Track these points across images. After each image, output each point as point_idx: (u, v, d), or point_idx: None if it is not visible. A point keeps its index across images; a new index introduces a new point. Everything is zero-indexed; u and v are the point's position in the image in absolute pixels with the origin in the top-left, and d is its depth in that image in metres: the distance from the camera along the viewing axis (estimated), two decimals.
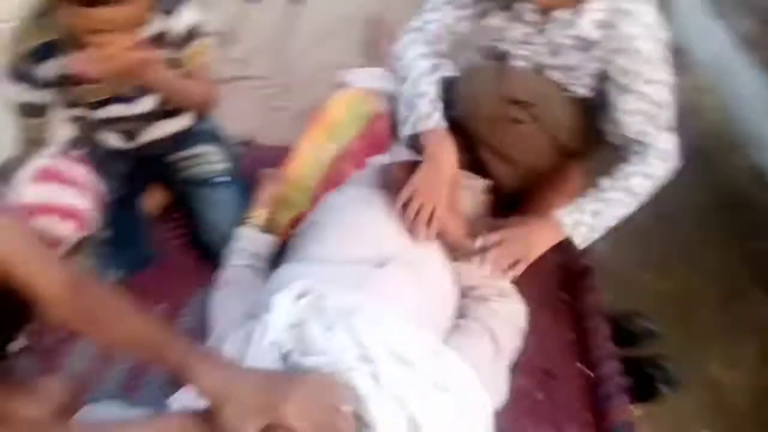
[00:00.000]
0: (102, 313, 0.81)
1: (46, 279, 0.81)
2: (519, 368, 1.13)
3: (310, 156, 1.56)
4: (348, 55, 1.85)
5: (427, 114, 1.20)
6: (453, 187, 1.20)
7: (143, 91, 1.30)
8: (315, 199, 1.41)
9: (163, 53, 1.25)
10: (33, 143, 1.23)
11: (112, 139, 1.39)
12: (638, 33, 1.12)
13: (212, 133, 1.52)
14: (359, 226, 1.18)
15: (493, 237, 1.21)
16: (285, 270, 1.11)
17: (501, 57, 1.23)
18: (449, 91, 1.29)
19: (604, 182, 1.21)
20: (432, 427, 0.89)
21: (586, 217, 1.19)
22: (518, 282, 1.23)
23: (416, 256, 1.14)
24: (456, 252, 1.21)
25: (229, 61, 2.14)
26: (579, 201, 1.20)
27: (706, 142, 1.92)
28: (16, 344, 1.19)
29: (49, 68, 1.16)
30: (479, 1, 1.21)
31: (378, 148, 1.49)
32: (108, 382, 1.14)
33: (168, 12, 1.24)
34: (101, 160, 1.29)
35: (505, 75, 1.19)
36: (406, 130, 1.26)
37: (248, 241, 1.29)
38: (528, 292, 1.22)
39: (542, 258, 1.23)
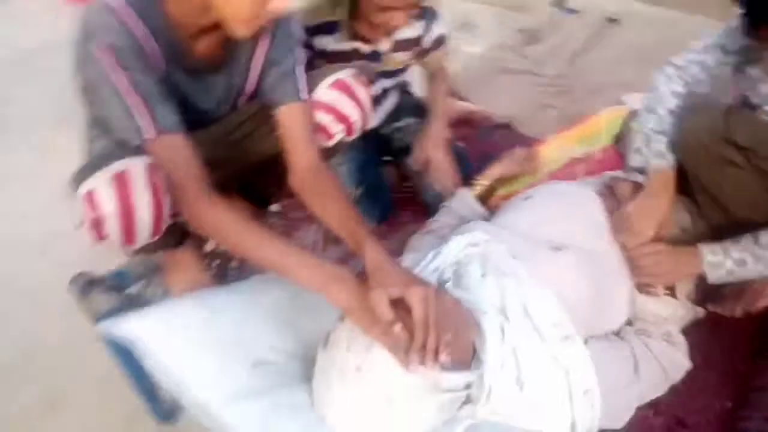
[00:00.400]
0: (324, 197, 1.09)
1: (300, 153, 1.12)
2: (651, 404, 1.12)
3: (556, 151, 1.68)
4: (644, 79, 1.87)
5: (662, 154, 1.23)
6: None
7: (389, 74, 1.57)
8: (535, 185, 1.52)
9: (410, 54, 1.53)
10: None
11: None
12: None
13: (411, 105, 1.72)
14: (562, 214, 1.26)
15: (653, 247, 1.21)
16: (475, 224, 1.27)
17: (751, 108, 1.18)
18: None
19: (764, 238, 1.11)
20: (534, 392, 0.97)
21: (729, 263, 1.13)
22: (697, 338, 1.20)
23: (599, 259, 1.18)
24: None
25: (524, 57, 2.32)
26: (729, 245, 1.14)
27: None
28: (274, 207, 1.58)
29: (325, 42, 1.42)
30: (747, 50, 1.17)
31: (615, 164, 1.53)
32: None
33: (428, 22, 1.50)
34: None
35: (731, 117, 1.14)
36: (635, 161, 1.29)
37: (461, 203, 1.46)
38: (702, 351, 1.18)
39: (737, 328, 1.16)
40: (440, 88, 1.63)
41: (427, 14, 1.49)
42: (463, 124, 1.97)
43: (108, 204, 0.92)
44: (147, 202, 0.93)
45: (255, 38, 1.10)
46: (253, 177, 1.38)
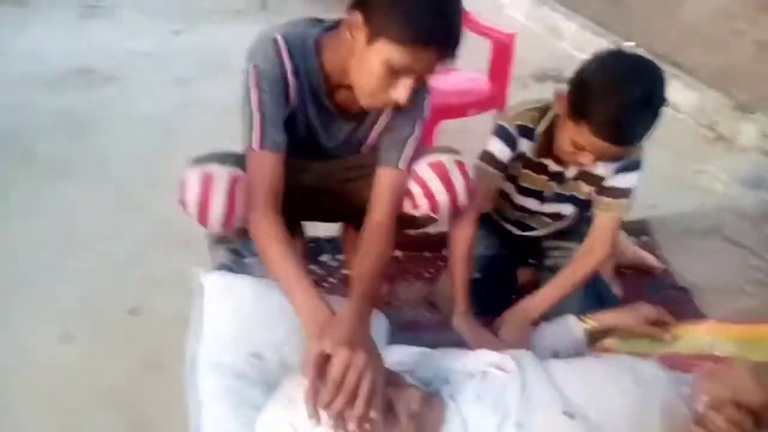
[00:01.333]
0: (367, 248, 1.21)
1: (376, 209, 1.26)
2: None
3: (703, 337, 1.46)
4: None
5: None
6: None
7: (562, 199, 1.53)
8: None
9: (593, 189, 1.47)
10: (480, 178, 1.47)
11: (510, 223, 1.66)
12: None
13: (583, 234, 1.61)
14: (616, 390, 1.14)
15: None
16: (524, 353, 1.22)
17: None
18: None
19: None
20: None
21: None
22: None
23: None
24: None
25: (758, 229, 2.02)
26: None
27: None
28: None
29: (524, 145, 1.47)
30: None
31: None
32: None
33: (620, 169, 1.43)
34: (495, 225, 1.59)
35: None
36: None
37: (562, 327, 1.40)
38: None
39: None
40: (583, 262, 1.49)
41: (629, 163, 1.43)
42: (639, 270, 1.83)
43: (190, 192, 1.20)
44: (221, 202, 1.19)
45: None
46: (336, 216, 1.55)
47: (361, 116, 1.30)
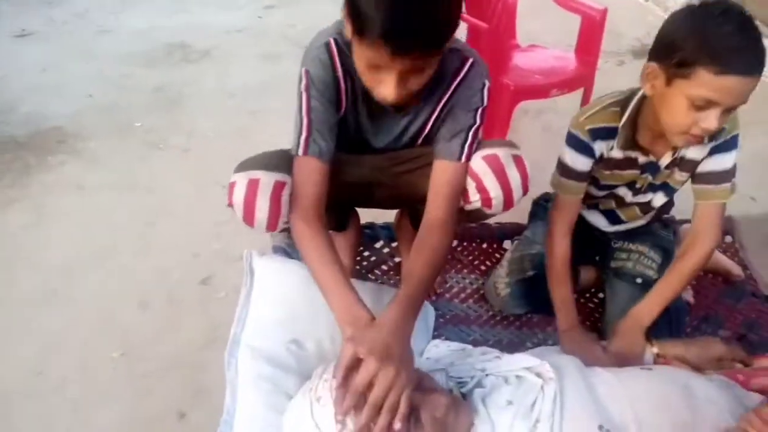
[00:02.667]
0: (420, 245, 1.18)
1: (433, 206, 1.23)
2: None
3: None
4: None
5: None
6: None
7: (656, 188, 1.42)
8: None
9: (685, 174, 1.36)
10: (564, 192, 1.42)
11: (598, 217, 1.55)
12: None
13: (658, 237, 1.51)
14: (662, 406, 1.08)
15: None
16: (567, 359, 1.18)
17: None
18: None
19: None
20: None
21: None
22: None
23: None
24: None
25: None
26: None
27: None
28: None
29: (601, 147, 1.34)
30: None
31: None
32: None
33: (718, 149, 1.30)
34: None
35: None
36: None
37: None
38: None
39: None
40: (689, 257, 1.35)
41: (724, 141, 1.30)
42: (716, 275, 1.70)
43: (237, 197, 1.22)
44: (265, 207, 1.21)
45: (444, 87, 1.22)
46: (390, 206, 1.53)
47: (416, 110, 1.27)
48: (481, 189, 1.26)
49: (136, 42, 3.51)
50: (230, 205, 1.25)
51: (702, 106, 1.13)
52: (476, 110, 1.23)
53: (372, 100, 1.18)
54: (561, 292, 1.41)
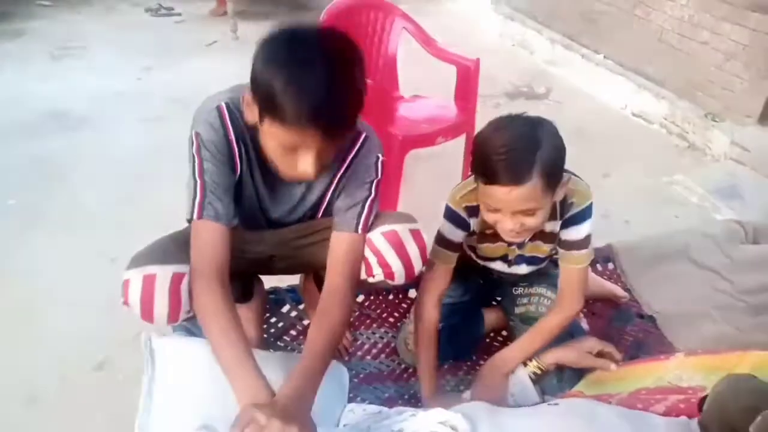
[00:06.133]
0: (321, 317, 1.20)
1: (332, 275, 1.24)
2: None
3: (665, 370, 1.46)
4: None
5: None
6: None
7: (525, 260, 1.51)
8: (606, 398, 1.36)
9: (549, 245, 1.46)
10: (439, 261, 1.45)
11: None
12: None
13: (552, 276, 1.60)
14: None
15: None
16: (477, 407, 1.22)
17: None
18: None
19: None
20: None
21: None
22: None
23: None
24: None
25: (726, 255, 2.02)
26: None
27: None
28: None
29: (473, 223, 1.41)
30: None
31: None
32: None
33: (572, 223, 1.38)
34: (462, 270, 1.54)
35: None
36: None
37: (514, 376, 1.41)
38: None
39: None
40: (554, 316, 1.45)
41: (574, 215, 1.39)
42: (605, 302, 1.84)
43: (133, 295, 1.18)
44: (164, 303, 1.18)
45: (339, 161, 1.25)
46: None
47: (310, 181, 1.27)
48: (383, 264, 1.31)
49: (6, 110, 3.30)
50: (126, 304, 1.20)
51: (493, 212, 1.27)
52: (371, 183, 1.27)
53: (266, 167, 1.18)
54: (428, 357, 1.45)
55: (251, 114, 1.09)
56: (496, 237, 1.43)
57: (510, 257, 1.51)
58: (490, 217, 1.30)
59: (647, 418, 1.25)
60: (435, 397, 1.42)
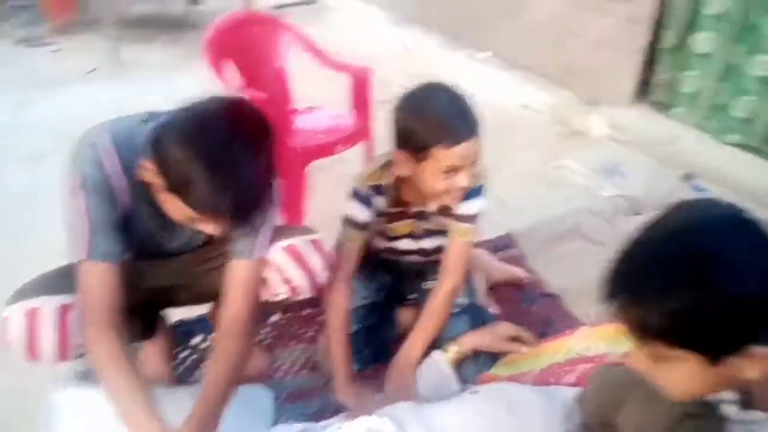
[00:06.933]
0: (216, 357, 1.19)
1: (228, 307, 1.23)
2: None
3: (577, 342, 1.56)
4: None
5: None
6: None
7: (430, 234, 1.58)
8: (521, 377, 1.44)
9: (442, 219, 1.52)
10: (342, 245, 1.50)
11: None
12: None
13: None
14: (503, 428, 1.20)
15: None
16: (401, 408, 1.25)
17: None
18: None
19: None
20: None
21: None
22: None
23: None
24: None
25: (613, 227, 2.18)
26: None
27: None
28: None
29: (378, 202, 1.48)
30: None
31: None
32: None
33: (467, 197, 1.47)
34: (372, 268, 1.62)
35: None
36: None
37: (432, 368, 1.46)
38: None
39: None
40: (439, 294, 1.52)
41: (470, 190, 1.46)
42: (510, 285, 1.93)
43: (15, 332, 1.12)
44: (50, 337, 1.12)
45: None
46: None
47: None
48: (286, 280, 1.31)
49: None
50: (5, 342, 1.13)
51: (450, 173, 1.31)
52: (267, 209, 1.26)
53: (154, 202, 1.15)
54: (339, 346, 1.48)
55: (158, 185, 1.06)
56: (402, 215, 1.51)
57: (416, 233, 1.57)
58: (442, 184, 1.33)
59: (558, 390, 1.34)
60: (349, 389, 1.44)
